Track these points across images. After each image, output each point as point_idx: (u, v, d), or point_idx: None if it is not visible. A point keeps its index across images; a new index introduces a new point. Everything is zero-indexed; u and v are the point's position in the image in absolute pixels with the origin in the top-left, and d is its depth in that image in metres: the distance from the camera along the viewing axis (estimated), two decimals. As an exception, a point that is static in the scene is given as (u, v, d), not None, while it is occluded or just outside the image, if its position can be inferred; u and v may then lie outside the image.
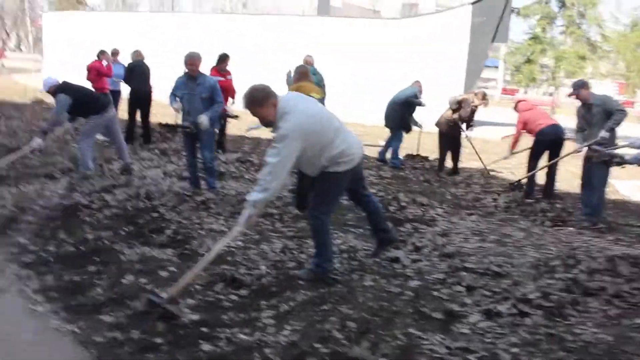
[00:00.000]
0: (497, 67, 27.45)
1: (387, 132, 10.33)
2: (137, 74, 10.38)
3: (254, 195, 3.96)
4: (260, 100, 3.91)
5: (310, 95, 5.87)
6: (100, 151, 9.23)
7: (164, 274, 4.22)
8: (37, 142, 7.07)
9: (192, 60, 6.57)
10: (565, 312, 4.06)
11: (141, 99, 10.39)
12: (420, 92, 10.01)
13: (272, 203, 6.34)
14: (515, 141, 8.57)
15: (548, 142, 7.89)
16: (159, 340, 3.33)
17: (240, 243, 5.05)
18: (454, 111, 9.45)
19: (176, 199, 6.17)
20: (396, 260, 4.96)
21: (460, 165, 10.29)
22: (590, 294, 4.38)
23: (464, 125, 9.57)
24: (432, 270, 4.85)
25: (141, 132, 10.52)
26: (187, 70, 6.65)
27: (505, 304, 4.13)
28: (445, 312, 4.00)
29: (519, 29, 62.85)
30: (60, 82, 7.33)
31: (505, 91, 42.23)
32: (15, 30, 63.39)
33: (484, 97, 9.79)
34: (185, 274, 3.92)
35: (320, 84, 9.54)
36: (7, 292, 3.82)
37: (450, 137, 9.57)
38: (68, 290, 3.87)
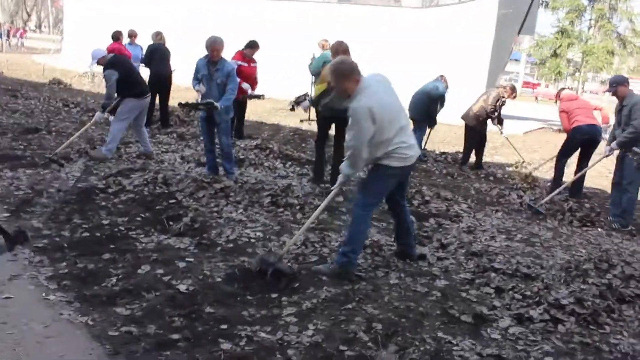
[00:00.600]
0: (518, 60, 26.53)
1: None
2: (158, 57, 10.12)
3: (345, 169, 4.22)
4: (344, 73, 4.07)
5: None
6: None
7: (181, 264, 4.04)
8: (99, 116, 7.34)
9: (214, 46, 6.34)
10: (600, 320, 3.86)
11: (161, 82, 10.17)
12: (447, 87, 9.73)
13: (292, 192, 6.18)
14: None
15: (582, 140, 7.60)
16: (176, 336, 3.15)
17: (260, 234, 4.87)
18: (492, 112, 9.21)
19: (194, 185, 5.99)
20: (422, 257, 4.77)
21: (485, 159, 10.04)
22: (625, 301, 4.19)
23: (495, 121, 9.41)
24: (458, 269, 4.67)
25: (159, 116, 10.36)
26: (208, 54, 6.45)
27: (537, 309, 3.94)
28: (474, 315, 3.81)
29: (545, 22, 61.70)
30: (109, 55, 7.37)
31: (526, 84, 41.60)
32: (36, 10, 63.55)
33: (513, 90, 9.51)
34: (294, 235, 4.48)
35: None
36: (19, 278, 3.65)
37: (477, 131, 9.29)
38: (82, 279, 3.71)
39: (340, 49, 6.61)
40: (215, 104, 6.30)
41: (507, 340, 3.54)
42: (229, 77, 6.43)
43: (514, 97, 9.56)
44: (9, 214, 4.86)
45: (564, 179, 7.95)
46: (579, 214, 6.79)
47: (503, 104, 9.33)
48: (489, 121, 9.34)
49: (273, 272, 3.97)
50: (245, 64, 8.91)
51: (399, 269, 4.50)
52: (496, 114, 9.30)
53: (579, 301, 4.05)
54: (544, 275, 4.67)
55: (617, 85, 6.59)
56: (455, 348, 3.34)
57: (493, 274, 4.51)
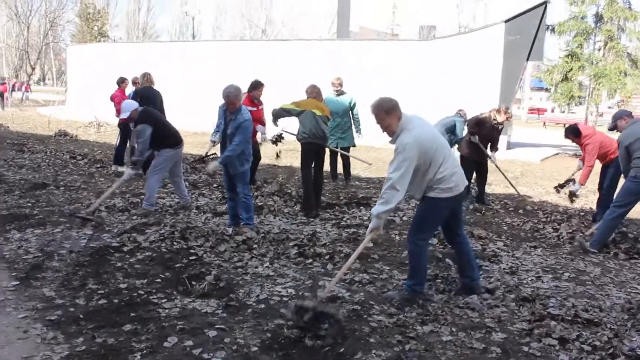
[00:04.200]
0: (547, 89, 25.43)
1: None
2: (145, 101, 8.82)
3: (377, 209, 4.19)
4: (388, 110, 4.24)
5: (312, 111, 7.16)
6: (127, 185, 8.78)
7: (211, 333, 3.61)
8: (129, 173, 6.99)
9: (229, 99, 5.99)
10: (686, 371, 3.42)
11: None
12: (466, 121, 9.36)
13: (318, 240, 5.78)
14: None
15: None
16: None
17: (291, 291, 4.46)
18: (472, 134, 8.50)
19: (214, 238, 5.62)
20: (470, 307, 4.34)
21: (509, 191, 9.64)
22: None
23: (488, 149, 8.68)
24: (512, 318, 4.26)
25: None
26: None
27: (613, 364, 3.49)
28: (543, 374, 3.37)
29: (553, 47, 61.11)
30: (140, 109, 7.06)
31: (531, 111, 41.47)
32: (40, 64, 64.32)
33: (507, 111, 8.70)
34: (333, 279, 4.38)
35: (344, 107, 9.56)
36: (31, 361, 3.24)
37: (472, 161, 8.58)
38: (102, 357, 3.26)
39: (314, 91, 7.47)
40: (209, 166, 6.34)
41: (587, 403, 3.11)
42: (237, 130, 6.04)
43: (508, 118, 8.75)
44: (17, 282, 4.46)
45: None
46: (624, 246, 6.36)
47: (498, 128, 8.61)
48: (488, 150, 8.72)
49: (315, 317, 3.70)
50: (254, 108, 8.52)
51: (449, 322, 4.07)
52: (474, 135, 8.48)
53: (657, 350, 3.63)
54: (606, 319, 4.27)
55: (616, 120, 6.53)
56: (534, 419, 2.90)
57: (552, 322, 4.08)
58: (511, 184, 9.44)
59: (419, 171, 4.20)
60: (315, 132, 7.18)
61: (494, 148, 8.87)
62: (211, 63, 20.15)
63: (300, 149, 7.45)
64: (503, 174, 9.49)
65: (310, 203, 7.29)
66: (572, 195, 8.04)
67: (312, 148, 7.29)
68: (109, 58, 22.90)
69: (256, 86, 8.73)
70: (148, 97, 9.26)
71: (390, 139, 4.34)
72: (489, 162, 8.76)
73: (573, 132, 7.52)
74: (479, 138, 8.48)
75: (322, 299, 4.06)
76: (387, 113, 4.24)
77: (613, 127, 6.63)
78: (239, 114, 6.03)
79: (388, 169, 4.22)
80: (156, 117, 7.18)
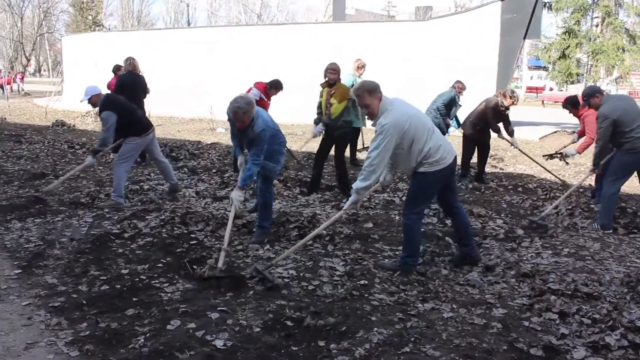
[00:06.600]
0: (545, 67, 24.98)
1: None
2: (129, 87, 8.80)
3: (357, 184, 4.41)
4: (370, 90, 4.38)
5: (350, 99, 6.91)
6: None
7: (213, 315, 3.64)
8: (90, 161, 6.78)
9: (238, 116, 4.92)
10: (685, 342, 3.44)
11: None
12: (460, 92, 9.31)
13: (318, 222, 5.79)
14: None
15: None
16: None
17: (293, 272, 4.48)
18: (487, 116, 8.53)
19: (214, 222, 5.64)
20: (471, 284, 4.38)
21: (508, 170, 9.65)
22: None
23: (503, 131, 8.67)
24: (513, 294, 4.29)
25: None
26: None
27: (612, 335, 3.53)
28: (544, 347, 3.42)
29: (550, 25, 60.57)
30: (103, 94, 6.63)
31: (530, 89, 41.32)
32: (35, 55, 63.97)
33: (512, 94, 8.57)
34: (285, 251, 4.70)
35: None
36: (35, 347, 3.24)
37: (474, 140, 8.73)
38: (106, 341, 3.30)
39: (337, 70, 7.17)
40: (233, 199, 5.00)
41: (588, 375, 3.14)
42: (255, 142, 5.06)
43: (513, 102, 8.52)
44: (20, 271, 4.48)
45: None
46: (623, 221, 6.38)
47: (505, 112, 8.51)
48: (503, 132, 8.75)
49: (261, 279, 4.24)
50: (266, 99, 8.56)
51: (450, 299, 4.11)
52: (499, 124, 8.57)
53: (656, 322, 3.65)
54: (606, 293, 4.30)
55: (589, 97, 6.36)
56: (535, 391, 2.93)
57: (552, 297, 4.12)
58: (537, 163, 9.37)
59: (402, 150, 4.37)
60: (350, 119, 7.36)
61: (509, 131, 8.72)
62: (207, 49, 20.03)
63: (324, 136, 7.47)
64: (530, 157, 9.45)
65: (317, 186, 7.56)
66: (562, 156, 7.99)
67: (348, 135, 7.63)
68: (104, 47, 22.75)
69: (276, 86, 8.71)
70: (132, 84, 9.10)
71: (372, 122, 4.50)
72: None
73: (571, 103, 7.52)
74: (486, 120, 8.52)
75: (270, 266, 4.46)
76: (370, 93, 4.35)
77: (586, 105, 6.52)
78: (255, 124, 5.03)
79: (370, 146, 4.39)
80: (121, 103, 6.70)
